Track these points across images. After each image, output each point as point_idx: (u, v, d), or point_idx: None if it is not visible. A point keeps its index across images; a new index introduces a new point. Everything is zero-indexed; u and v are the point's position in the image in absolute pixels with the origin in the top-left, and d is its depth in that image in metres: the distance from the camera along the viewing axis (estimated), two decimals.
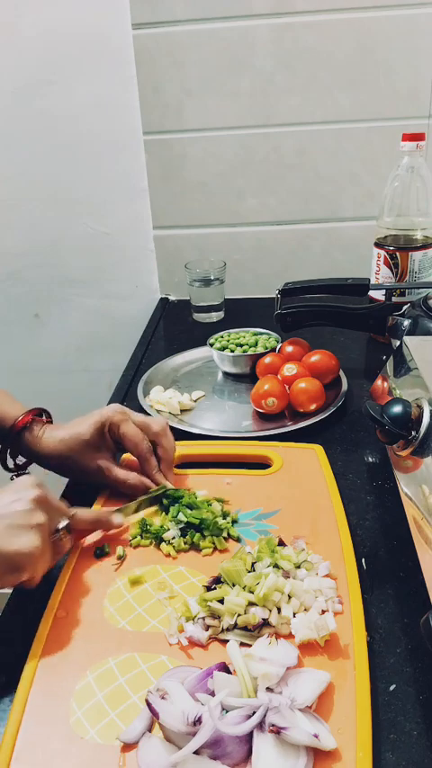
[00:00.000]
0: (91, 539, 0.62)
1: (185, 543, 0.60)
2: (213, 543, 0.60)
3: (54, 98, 1.17)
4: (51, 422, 0.72)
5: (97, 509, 0.62)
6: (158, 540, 0.61)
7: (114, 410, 0.68)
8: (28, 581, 0.52)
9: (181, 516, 0.62)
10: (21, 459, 0.71)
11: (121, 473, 0.67)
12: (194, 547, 0.61)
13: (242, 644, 0.49)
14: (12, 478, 0.71)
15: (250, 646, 0.48)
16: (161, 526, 0.62)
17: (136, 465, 0.69)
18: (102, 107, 1.18)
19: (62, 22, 1.12)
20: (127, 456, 0.72)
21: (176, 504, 0.64)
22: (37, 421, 0.70)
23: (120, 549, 0.60)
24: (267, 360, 0.90)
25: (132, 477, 0.67)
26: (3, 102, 1.18)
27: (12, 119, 1.19)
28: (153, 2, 1.09)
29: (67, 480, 0.73)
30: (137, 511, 0.65)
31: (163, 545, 0.61)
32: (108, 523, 0.61)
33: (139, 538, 0.62)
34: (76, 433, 0.67)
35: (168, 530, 0.62)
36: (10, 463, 0.71)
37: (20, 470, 0.72)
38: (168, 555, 0.60)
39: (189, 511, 0.63)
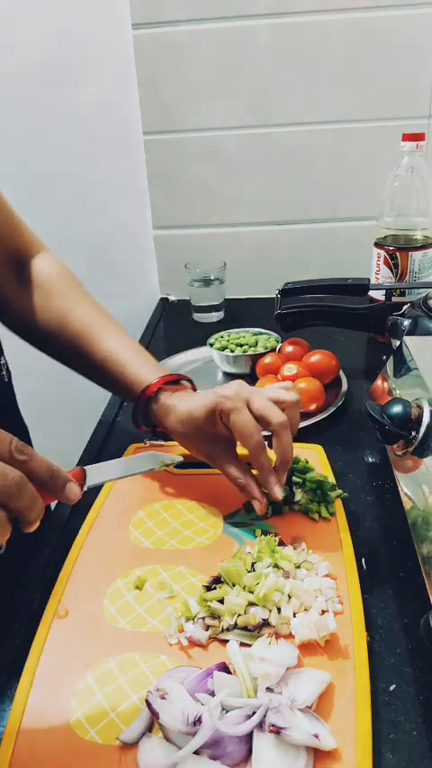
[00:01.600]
0: None
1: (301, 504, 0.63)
2: (319, 511, 0.63)
3: (54, 98, 1.17)
4: (194, 387, 0.69)
5: (53, 466, 0.43)
6: (287, 501, 0.64)
7: (228, 395, 0.59)
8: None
9: (296, 479, 0.65)
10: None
11: (233, 470, 0.62)
12: (302, 510, 0.64)
13: (242, 644, 0.49)
14: (144, 442, 0.71)
15: (250, 646, 0.48)
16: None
17: None
18: (102, 107, 1.18)
19: (62, 22, 1.12)
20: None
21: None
22: (165, 389, 0.66)
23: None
24: (267, 360, 0.90)
25: (243, 478, 0.61)
26: (3, 102, 1.18)
27: (12, 118, 1.19)
28: (153, 2, 1.09)
29: None
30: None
31: (285, 508, 0.64)
32: (59, 490, 0.43)
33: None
34: (190, 414, 0.62)
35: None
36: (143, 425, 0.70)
37: (154, 435, 0.70)
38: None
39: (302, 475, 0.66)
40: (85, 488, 0.49)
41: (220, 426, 0.61)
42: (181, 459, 0.64)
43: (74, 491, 0.44)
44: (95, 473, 0.51)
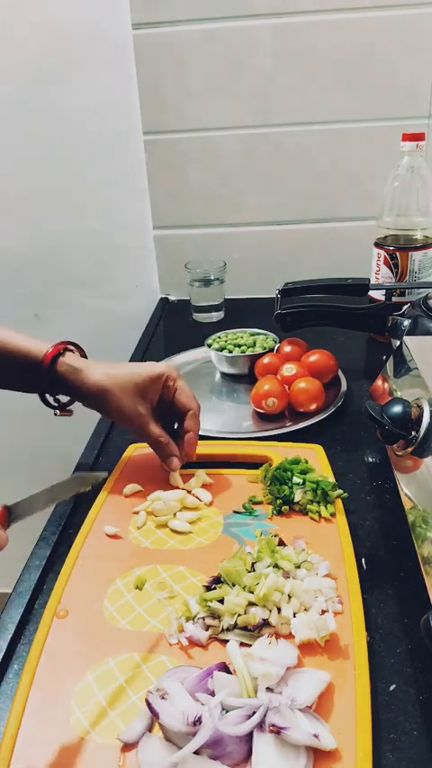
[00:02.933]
0: None
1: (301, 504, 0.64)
2: (319, 511, 0.64)
3: (54, 98, 1.17)
4: (85, 356, 0.72)
5: None
6: (287, 501, 0.65)
7: (170, 365, 0.70)
8: None
9: (296, 479, 0.66)
10: (64, 397, 0.70)
11: (156, 428, 0.68)
12: (302, 510, 0.64)
13: (242, 644, 0.49)
14: (55, 413, 0.71)
15: (250, 646, 0.48)
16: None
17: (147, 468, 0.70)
18: (102, 107, 1.18)
19: (62, 22, 1.12)
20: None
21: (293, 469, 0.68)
22: (69, 352, 0.68)
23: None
24: (266, 360, 0.90)
25: (165, 436, 0.68)
26: (3, 102, 1.18)
27: (12, 119, 1.19)
28: (153, 2, 1.09)
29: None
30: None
31: (285, 508, 0.65)
32: None
33: (269, 493, 0.66)
34: (128, 371, 0.68)
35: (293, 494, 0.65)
36: (51, 400, 0.70)
37: (64, 407, 0.71)
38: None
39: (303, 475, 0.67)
40: (9, 526, 0.48)
41: (155, 392, 0.69)
42: (106, 475, 0.68)
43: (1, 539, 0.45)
44: (20, 509, 0.50)
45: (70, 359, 0.67)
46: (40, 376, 0.67)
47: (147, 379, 0.68)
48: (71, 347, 0.70)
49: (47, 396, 0.70)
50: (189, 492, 0.68)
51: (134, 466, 0.74)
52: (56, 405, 0.71)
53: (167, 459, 0.69)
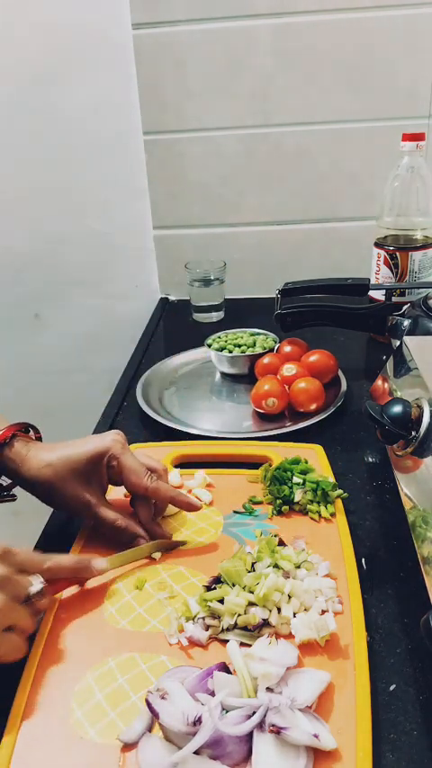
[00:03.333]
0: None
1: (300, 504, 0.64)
2: (319, 511, 0.63)
3: (54, 98, 1.17)
4: (40, 438, 0.65)
5: (76, 555, 0.55)
6: (287, 501, 0.65)
7: (115, 439, 0.62)
8: (4, 659, 0.47)
9: (296, 479, 0.66)
10: (6, 480, 0.63)
11: (109, 513, 0.60)
12: (302, 510, 0.64)
13: (242, 644, 0.49)
14: None
15: (250, 646, 0.48)
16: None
17: (124, 508, 0.63)
18: (102, 107, 1.18)
19: (62, 22, 1.12)
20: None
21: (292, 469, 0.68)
22: (20, 437, 0.62)
23: None
24: (266, 360, 0.90)
25: (122, 519, 0.60)
26: (2, 102, 1.18)
27: (12, 118, 1.19)
28: (153, 2, 1.09)
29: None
30: (121, 564, 0.58)
31: (285, 508, 0.65)
32: (90, 571, 0.54)
33: (269, 493, 0.66)
34: (66, 457, 0.60)
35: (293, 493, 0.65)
36: None
37: (5, 492, 0.64)
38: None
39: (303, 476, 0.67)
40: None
41: (102, 471, 0.61)
42: (184, 543, 0.62)
43: (102, 565, 0.55)
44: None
45: (19, 447, 0.61)
46: None
47: (86, 462, 0.60)
48: (23, 431, 0.63)
49: None
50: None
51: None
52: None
53: (132, 542, 0.60)
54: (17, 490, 0.64)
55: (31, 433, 0.65)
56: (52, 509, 0.67)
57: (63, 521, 0.68)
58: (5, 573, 0.47)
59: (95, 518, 0.61)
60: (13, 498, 0.64)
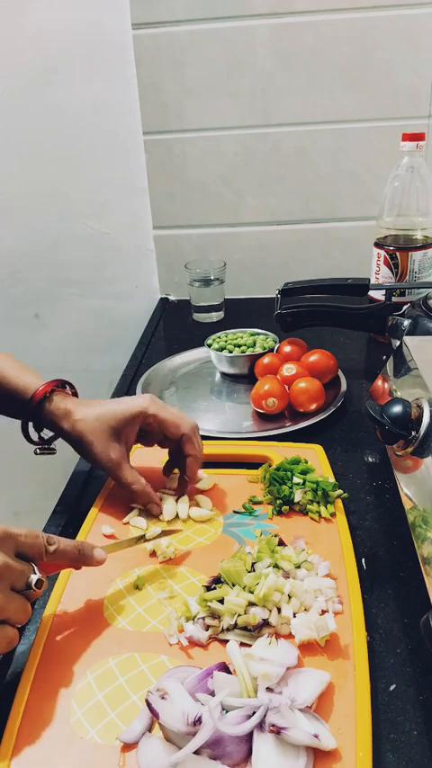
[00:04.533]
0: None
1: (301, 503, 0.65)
2: (319, 511, 0.63)
3: (54, 98, 1.17)
4: (76, 394, 0.70)
5: (80, 541, 0.54)
6: (287, 501, 0.65)
7: (149, 400, 0.66)
8: None
9: (297, 479, 0.66)
10: (47, 433, 0.69)
11: (130, 474, 0.65)
12: (302, 510, 0.64)
13: (242, 644, 0.49)
14: (35, 452, 0.70)
15: (250, 646, 0.48)
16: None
17: (145, 475, 0.66)
18: (102, 107, 1.18)
19: (62, 22, 1.12)
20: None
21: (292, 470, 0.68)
22: (58, 392, 0.67)
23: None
24: (266, 360, 0.90)
25: (140, 483, 0.65)
26: (2, 102, 1.18)
27: (12, 118, 1.19)
28: (153, 2, 1.09)
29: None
30: (126, 547, 0.60)
31: (285, 508, 0.64)
32: (90, 560, 0.54)
33: (269, 493, 0.66)
34: (102, 414, 0.65)
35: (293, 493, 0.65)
36: (33, 436, 0.69)
37: (45, 444, 0.70)
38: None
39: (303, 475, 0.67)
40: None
41: (133, 432, 0.66)
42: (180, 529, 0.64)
43: (102, 555, 0.55)
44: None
45: (57, 400, 0.66)
46: (27, 413, 0.67)
47: (122, 419, 0.65)
48: (60, 387, 0.68)
49: (31, 432, 0.69)
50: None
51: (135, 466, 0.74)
52: (38, 441, 0.70)
53: (147, 507, 0.66)
54: (57, 444, 0.69)
55: (68, 389, 0.69)
56: (52, 509, 0.69)
57: (63, 521, 0.68)
58: (5, 561, 0.46)
59: (115, 476, 0.65)
60: (52, 451, 0.69)
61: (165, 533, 0.62)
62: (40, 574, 0.48)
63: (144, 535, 0.61)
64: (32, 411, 0.66)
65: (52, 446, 0.70)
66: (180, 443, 0.67)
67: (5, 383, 0.67)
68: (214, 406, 0.89)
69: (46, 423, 0.67)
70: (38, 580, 0.48)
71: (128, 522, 0.65)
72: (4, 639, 0.45)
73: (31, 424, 0.68)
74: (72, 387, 0.70)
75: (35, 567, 0.48)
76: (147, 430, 0.68)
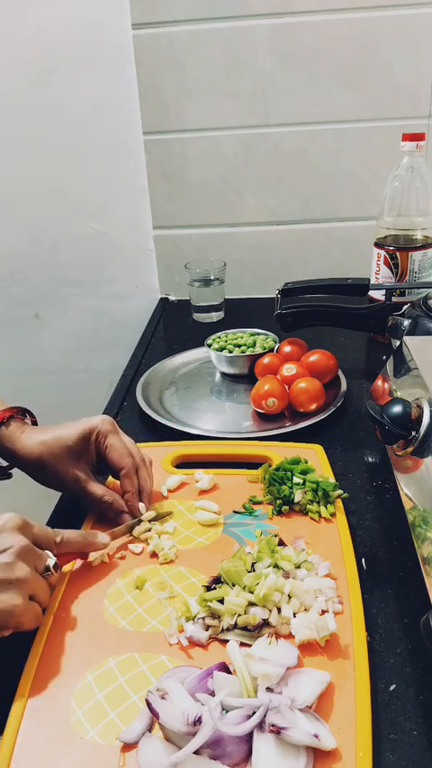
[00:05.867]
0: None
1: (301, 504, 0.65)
2: (319, 511, 0.64)
3: (54, 98, 1.17)
4: (36, 423, 0.69)
5: (83, 531, 0.58)
6: (287, 501, 0.65)
7: (104, 419, 0.66)
8: (17, 629, 0.49)
9: (297, 479, 0.66)
10: (3, 462, 0.68)
11: (98, 488, 0.64)
12: (302, 510, 0.64)
13: (242, 644, 0.49)
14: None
15: (250, 646, 0.48)
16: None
17: (117, 489, 0.66)
18: (102, 107, 1.18)
19: (62, 22, 1.12)
20: (111, 480, 0.70)
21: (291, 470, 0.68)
22: (16, 419, 0.66)
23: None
24: (266, 360, 0.90)
25: (109, 494, 0.64)
26: (2, 102, 1.18)
27: (12, 118, 1.19)
28: (153, 2, 1.09)
29: (57, 497, 0.70)
30: (123, 535, 0.62)
31: (285, 508, 0.64)
32: (95, 545, 0.58)
33: (269, 493, 0.66)
34: (58, 436, 0.64)
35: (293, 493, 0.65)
36: None
37: (3, 471, 0.68)
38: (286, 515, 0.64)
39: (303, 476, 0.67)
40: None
41: (91, 449, 0.65)
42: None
43: (106, 538, 0.58)
44: None
45: (14, 428, 0.65)
46: None
47: (77, 439, 0.64)
48: (18, 414, 0.67)
49: None
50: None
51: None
52: None
53: (118, 518, 0.64)
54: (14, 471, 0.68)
55: (28, 417, 0.69)
56: (52, 509, 0.69)
57: (62, 521, 0.68)
58: (27, 544, 0.50)
59: (84, 493, 0.64)
60: (8, 476, 0.69)
61: (158, 518, 0.64)
62: (55, 560, 0.53)
63: (140, 519, 0.63)
64: None
65: (9, 471, 0.69)
66: (119, 476, 0.65)
67: None
68: (214, 406, 0.89)
69: (2, 450, 0.66)
70: (55, 563, 0.52)
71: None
72: (32, 614, 0.49)
73: None
74: (32, 415, 0.70)
75: (50, 554, 0.53)
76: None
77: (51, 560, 0.52)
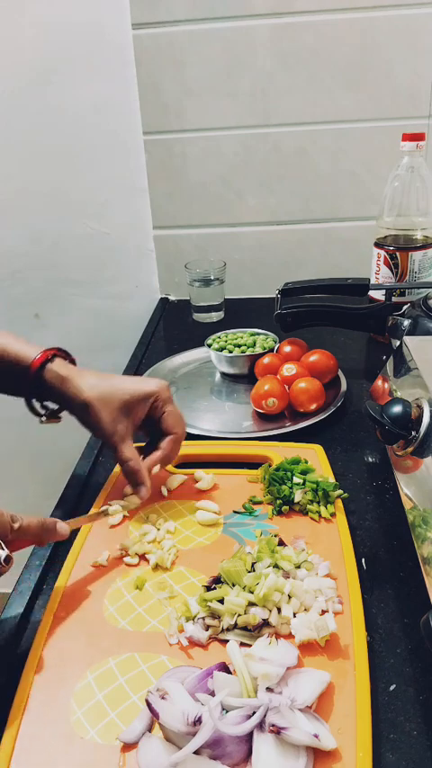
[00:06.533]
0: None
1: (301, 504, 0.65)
2: (319, 511, 0.64)
3: (54, 98, 1.17)
4: (75, 363, 0.69)
5: (42, 517, 0.55)
6: (287, 501, 0.65)
7: (164, 385, 0.67)
8: None
9: (297, 479, 0.66)
10: (54, 405, 0.69)
11: (129, 451, 0.65)
12: (302, 510, 0.64)
13: (242, 644, 0.49)
14: (40, 421, 0.69)
15: (250, 646, 0.48)
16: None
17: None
18: (102, 107, 1.18)
19: (62, 22, 1.12)
20: (117, 470, 0.71)
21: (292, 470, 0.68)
22: (59, 358, 0.66)
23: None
24: (266, 360, 0.90)
25: (137, 461, 0.64)
26: (2, 102, 1.18)
27: (12, 118, 1.19)
28: (153, 2, 1.09)
29: (57, 497, 0.71)
30: (90, 522, 0.63)
31: (285, 508, 0.64)
32: (54, 534, 0.55)
33: (269, 493, 0.67)
34: (116, 386, 0.65)
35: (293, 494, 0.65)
36: (38, 408, 0.69)
37: (52, 415, 0.69)
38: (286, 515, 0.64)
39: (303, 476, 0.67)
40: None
41: (140, 411, 0.66)
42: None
43: (65, 529, 0.56)
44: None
45: (58, 366, 0.65)
46: (27, 382, 0.66)
47: (135, 396, 0.65)
48: (61, 353, 0.68)
49: (34, 403, 0.69)
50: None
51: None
52: (43, 412, 0.69)
53: (136, 488, 0.65)
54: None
55: (68, 359, 0.69)
56: (52, 508, 0.69)
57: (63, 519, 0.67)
58: None
59: (116, 449, 0.64)
60: (58, 419, 0.69)
61: (125, 507, 0.64)
62: (7, 550, 0.49)
63: (107, 509, 0.63)
64: (32, 378, 0.65)
65: (58, 415, 0.69)
66: (165, 439, 0.67)
67: (7, 354, 0.66)
68: (214, 406, 0.89)
69: (47, 390, 0.66)
70: (6, 557, 0.48)
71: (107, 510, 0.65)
72: None
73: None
74: (70, 356, 0.70)
75: (2, 544, 0.49)
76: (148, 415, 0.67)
77: (3, 552, 0.48)
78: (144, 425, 0.68)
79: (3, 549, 0.49)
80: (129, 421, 0.65)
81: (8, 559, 0.48)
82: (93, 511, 0.65)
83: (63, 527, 0.56)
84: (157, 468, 0.66)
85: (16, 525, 0.51)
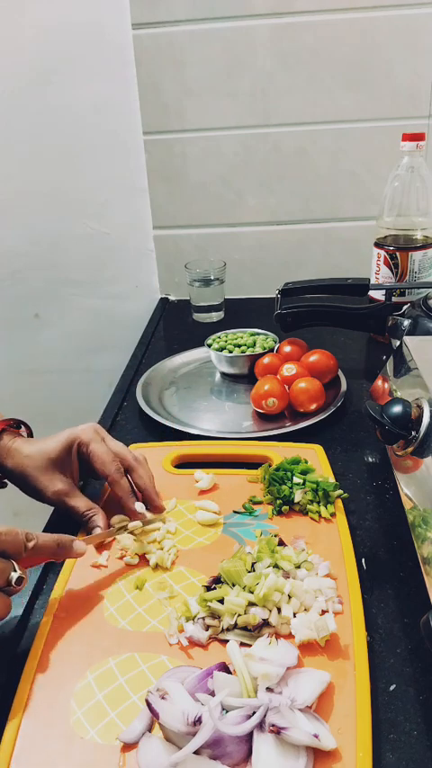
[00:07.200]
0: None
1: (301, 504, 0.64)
2: (319, 511, 0.63)
3: (54, 98, 1.17)
4: (31, 433, 0.69)
5: (58, 535, 0.54)
6: (287, 501, 0.65)
7: (86, 428, 0.65)
8: None
9: (297, 479, 0.66)
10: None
11: (80, 501, 0.63)
12: (302, 510, 0.64)
13: (242, 644, 0.49)
14: None
15: (250, 646, 0.48)
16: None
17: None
18: (102, 107, 1.18)
19: (62, 22, 1.12)
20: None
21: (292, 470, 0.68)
22: (9, 432, 0.66)
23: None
24: (266, 360, 0.90)
25: (95, 509, 0.63)
26: (2, 102, 1.18)
27: (12, 118, 1.19)
28: (153, 2, 1.09)
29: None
30: (105, 539, 0.62)
31: (285, 508, 0.64)
32: (69, 552, 0.55)
33: (269, 493, 0.66)
34: (41, 448, 0.63)
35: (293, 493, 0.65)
36: None
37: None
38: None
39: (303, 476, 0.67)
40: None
41: (74, 460, 0.65)
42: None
43: (82, 546, 0.55)
44: None
45: (5, 441, 0.65)
46: None
47: (57, 450, 0.63)
48: (15, 426, 0.67)
49: None
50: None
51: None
52: None
53: (94, 531, 0.62)
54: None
55: (23, 429, 0.68)
56: (52, 509, 0.68)
57: (62, 520, 0.67)
58: None
59: (66, 506, 0.63)
60: (3, 485, 0.67)
61: (145, 523, 0.63)
62: (21, 571, 0.49)
63: (126, 525, 0.62)
64: None
65: (5, 483, 0.67)
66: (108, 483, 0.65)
67: None
68: (214, 406, 0.89)
69: None
70: (18, 577, 0.48)
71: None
72: None
73: None
74: (27, 427, 0.69)
75: (15, 565, 0.48)
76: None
77: (15, 574, 0.48)
78: (87, 471, 0.66)
79: (15, 570, 0.48)
80: (65, 475, 0.64)
81: (20, 580, 0.48)
82: (111, 525, 0.63)
83: (80, 545, 0.55)
84: (139, 505, 0.64)
85: (31, 544, 0.50)
